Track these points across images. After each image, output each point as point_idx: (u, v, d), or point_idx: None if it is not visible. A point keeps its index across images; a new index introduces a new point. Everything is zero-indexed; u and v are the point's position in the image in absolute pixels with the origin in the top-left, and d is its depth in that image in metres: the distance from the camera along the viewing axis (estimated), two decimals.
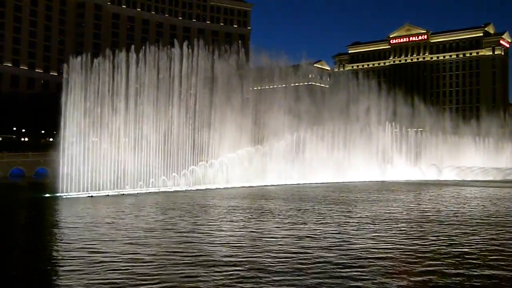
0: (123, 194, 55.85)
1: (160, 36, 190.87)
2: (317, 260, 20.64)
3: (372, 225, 30.86)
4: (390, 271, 19.12)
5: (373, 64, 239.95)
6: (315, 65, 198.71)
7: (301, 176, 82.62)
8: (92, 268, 19.08)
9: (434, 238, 26.47)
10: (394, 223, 32.05)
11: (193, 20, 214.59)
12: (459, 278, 18.01)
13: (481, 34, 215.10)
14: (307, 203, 45.33)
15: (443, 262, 20.49)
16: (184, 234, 27.15)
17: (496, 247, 24.07)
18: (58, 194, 52.91)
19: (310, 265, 19.69)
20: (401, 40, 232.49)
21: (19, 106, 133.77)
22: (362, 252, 22.31)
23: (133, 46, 69.04)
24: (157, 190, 60.27)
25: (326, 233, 27.58)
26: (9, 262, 21.61)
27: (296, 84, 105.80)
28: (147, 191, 59.61)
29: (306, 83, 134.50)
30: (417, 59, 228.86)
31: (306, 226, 30.46)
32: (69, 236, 27.09)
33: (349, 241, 25.18)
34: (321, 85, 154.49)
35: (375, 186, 72.96)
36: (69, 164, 56.36)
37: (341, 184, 78.33)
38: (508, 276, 18.72)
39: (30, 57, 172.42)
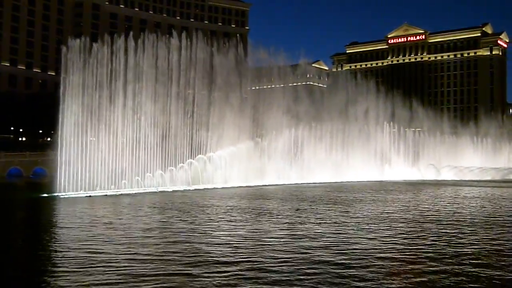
0: (121, 194, 55.70)
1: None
2: (316, 260, 20.54)
3: (370, 225, 30.78)
4: (390, 271, 19.04)
5: (371, 64, 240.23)
6: (313, 65, 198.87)
7: (300, 176, 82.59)
8: (90, 269, 18.95)
9: (433, 238, 26.40)
10: (393, 223, 31.98)
11: (191, 19, 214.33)
12: (459, 278, 17.94)
13: (479, 34, 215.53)
14: (305, 202, 45.27)
15: (443, 262, 20.40)
16: (183, 234, 27.03)
17: (497, 247, 24.02)
18: (55, 194, 52.75)
19: (309, 265, 19.59)
20: (399, 40, 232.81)
21: (16, 105, 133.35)
22: (362, 252, 22.22)
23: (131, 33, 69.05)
24: (155, 190, 60.11)
25: (325, 233, 27.49)
26: (6, 262, 21.45)
27: (294, 84, 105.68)
28: (145, 191, 59.44)
29: (304, 83, 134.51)
30: (415, 59, 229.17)
31: (305, 226, 30.37)
32: (66, 236, 26.97)
33: (348, 241, 25.09)
34: (319, 85, 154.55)
35: (373, 186, 72.94)
36: (66, 163, 56.16)
37: (339, 184, 78.31)
38: (509, 276, 18.64)
39: (27, 57, 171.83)
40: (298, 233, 27.62)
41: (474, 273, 18.65)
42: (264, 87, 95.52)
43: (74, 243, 24.49)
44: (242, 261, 20.29)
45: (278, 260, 20.50)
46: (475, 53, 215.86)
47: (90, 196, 52.35)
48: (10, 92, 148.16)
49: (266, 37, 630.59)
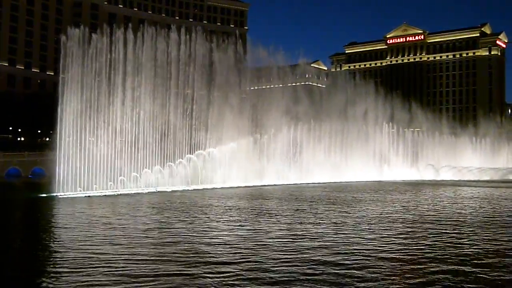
0: (120, 194, 55.64)
1: None
2: (316, 260, 20.49)
3: (370, 225, 30.74)
4: (390, 271, 18.98)
5: (370, 64, 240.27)
6: (312, 65, 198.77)
7: (299, 176, 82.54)
8: (89, 269, 18.88)
9: (433, 238, 26.37)
10: (392, 223, 31.96)
11: (190, 19, 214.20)
12: (459, 278, 17.91)
13: (478, 34, 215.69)
14: (304, 203, 45.23)
15: (443, 262, 20.37)
16: (182, 234, 26.97)
17: (497, 247, 24.00)
18: (54, 194, 52.66)
19: (309, 265, 19.54)
20: (398, 40, 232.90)
21: (15, 105, 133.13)
22: (362, 252, 22.18)
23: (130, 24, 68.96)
24: (154, 190, 60.06)
25: (324, 233, 27.45)
26: (5, 262, 21.38)
27: (293, 84, 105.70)
28: (144, 191, 59.36)
29: (303, 83, 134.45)
30: (414, 59, 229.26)
31: (304, 226, 30.33)
32: (65, 236, 26.89)
33: (348, 241, 25.05)
34: (318, 85, 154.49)
35: (372, 186, 72.95)
36: (65, 163, 56.07)
37: (338, 184, 78.30)
38: (509, 277, 18.61)
39: (26, 57, 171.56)
40: (298, 233, 27.58)
41: (474, 273, 18.62)
42: (263, 87, 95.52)
43: (73, 243, 24.41)
44: (242, 261, 20.23)
45: (278, 260, 20.44)
46: (474, 53, 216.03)
47: (89, 196, 52.28)
48: (8, 92, 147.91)
49: (265, 37, 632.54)
